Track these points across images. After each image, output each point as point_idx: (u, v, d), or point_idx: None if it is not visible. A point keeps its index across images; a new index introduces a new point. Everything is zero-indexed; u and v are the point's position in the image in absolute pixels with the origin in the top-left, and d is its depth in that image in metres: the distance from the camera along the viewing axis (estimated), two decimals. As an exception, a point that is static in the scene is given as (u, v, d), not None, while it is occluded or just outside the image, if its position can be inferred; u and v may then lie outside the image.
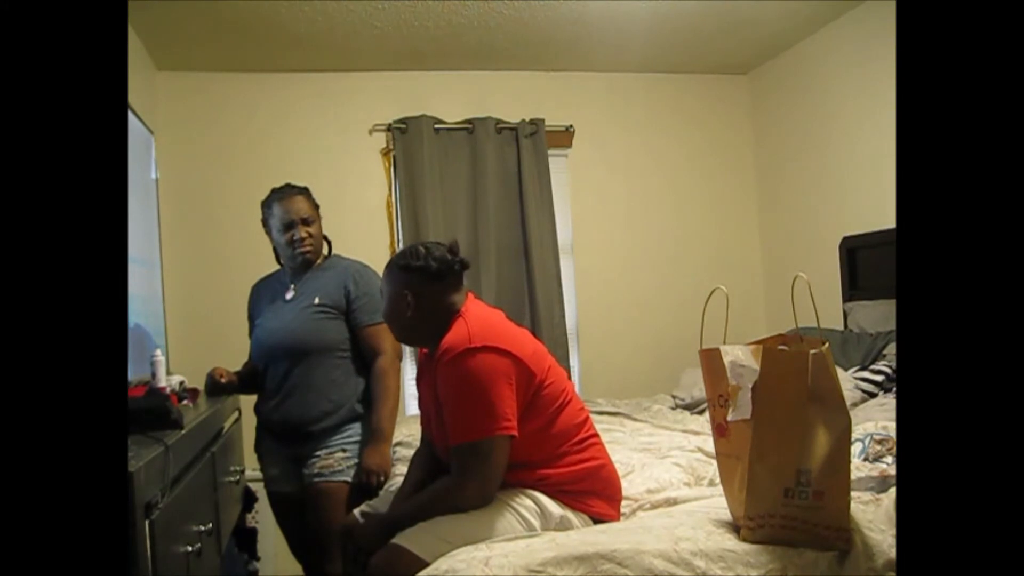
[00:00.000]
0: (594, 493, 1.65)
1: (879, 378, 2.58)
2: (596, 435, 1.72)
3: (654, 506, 1.72)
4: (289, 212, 2.22)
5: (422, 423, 1.85)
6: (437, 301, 1.68)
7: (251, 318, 2.36)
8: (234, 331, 2.53)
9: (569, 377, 1.68)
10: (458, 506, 1.54)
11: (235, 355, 2.50)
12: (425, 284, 1.67)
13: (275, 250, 2.33)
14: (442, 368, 1.59)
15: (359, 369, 2.21)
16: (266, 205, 2.29)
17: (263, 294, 2.34)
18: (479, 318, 1.65)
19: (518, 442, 1.56)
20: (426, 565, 1.39)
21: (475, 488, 1.54)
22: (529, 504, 1.57)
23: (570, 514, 1.60)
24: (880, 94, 3.08)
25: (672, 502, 1.72)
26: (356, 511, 1.86)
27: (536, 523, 1.54)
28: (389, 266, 1.75)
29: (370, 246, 3.59)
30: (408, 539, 1.48)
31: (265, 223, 2.29)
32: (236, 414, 2.44)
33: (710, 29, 3.36)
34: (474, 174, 3.65)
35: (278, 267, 2.36)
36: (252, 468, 2.60)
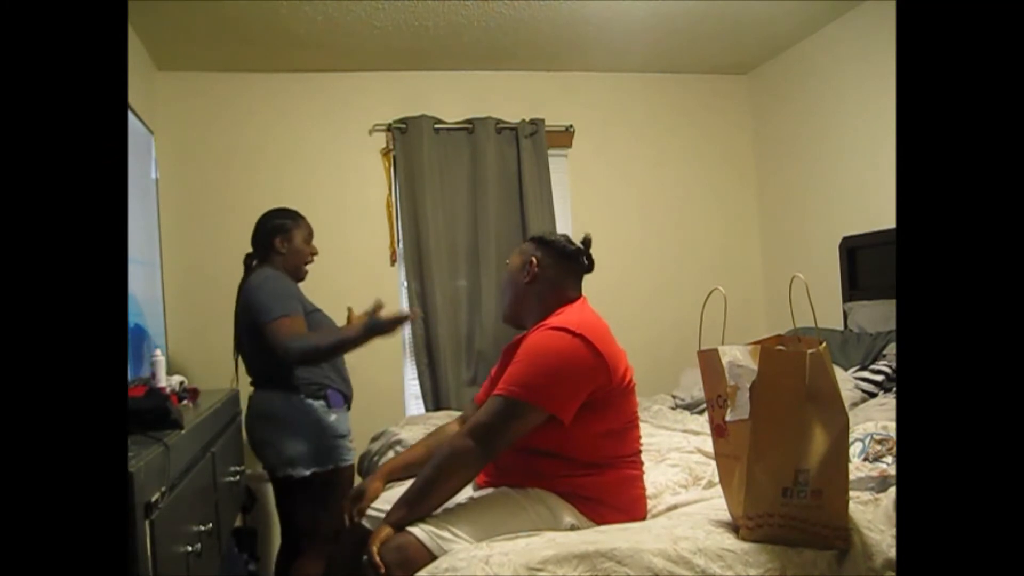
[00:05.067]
0: (622, 511, 1.65)
1: (879, 378, 2.58)
2: (642, 465, 1.74)
3: (655, 516, 1.72)
4: (311, 231, 2.51)
5: (477, 401, 1.91)
6: (555, 278, 1.76)
7: (304, 306, 2.39)
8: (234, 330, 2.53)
9: None
10: (454, 451, 1.55)
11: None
12: (552, 257, 1.77)
13: (273, 254, 2.42)
14: (534, 332, 1.64)
15: None
16: (291, 217, 2.48)
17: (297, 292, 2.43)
18: (588, 316, 1.70)
19: (578, 437, 1.58)
20: (434, 558, 1.41)
21: (483, 434, 1.54)
22: (542, 510, 1.58)
23: (583, 523, 1.60)
24: (880, 94, 3.08)
25: (673, 509, 1.72)
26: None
27: (545, 529, 1.54)
28: (526, 241, 1.86)
29: (370, 246, 3.60)
30: (420, 529, 1.50)
31: (288, 231, 2.45)
32: (236, 414, 2.44)
33: (710, 29, 3.36)
34: (474, 174, 3.65)
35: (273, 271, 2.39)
36: (252, 468, 2.60)
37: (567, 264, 1.78)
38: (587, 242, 1.83)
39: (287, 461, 2.28)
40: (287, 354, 2.18)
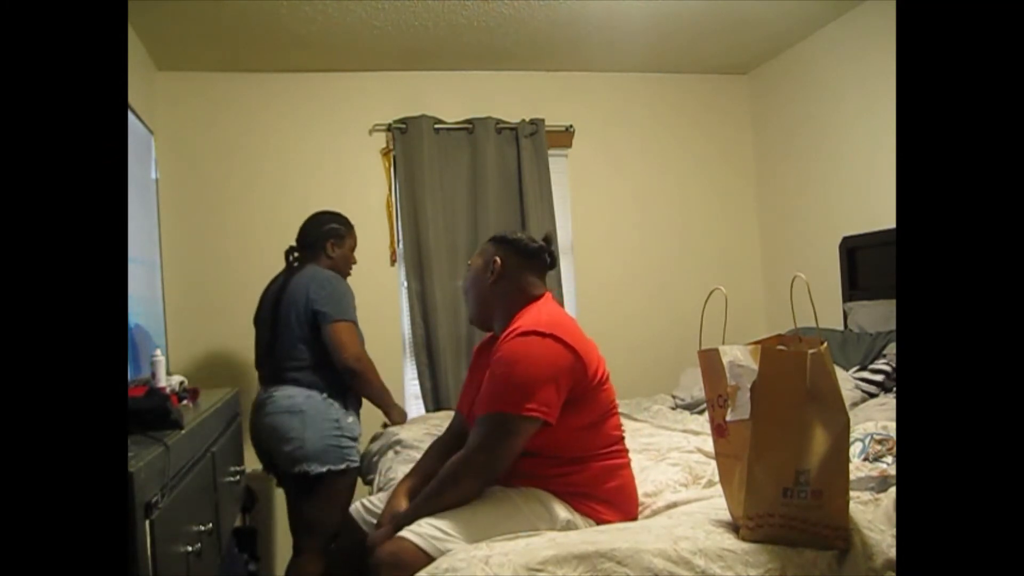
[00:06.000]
0: (610, 503, 1.65)
1: (879, 378, 2.58)
2: (627, 454, 1.74)
3: (655, 512, 1.72)
4: (356, 241, 2.65)
5: (461, 409, 1.89)
6: (518, 277, 1.76)
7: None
8: (234, 330, 2.54)
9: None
10: (461, 476, 1.56)
11: (235, 354, 2.50)
12: (514, 256, 1.77)
13: (323, 255, 2.52)
14: (504, 343, 1.63)
15: None
16: (345, 224, 2.59)
17: None
18: (554, 313, 1.70)
19: (559, 434, 1.57)
20: (430, 560, 1.40)
21: (483, 460, 1.55)
22: (537, 507, 1.58)
23: (578, 518, 1.60)
24: (880, 94, 3.08)
25: (672, 506, 1.72)
26: (358, 505, 1.88)
27: (542, 527, 1.55)
28: (487, 242, 1.86)
29: (370, 246, 3.59)
30: (414, 533, 1.49)
31: (343, 237, 2.57)
32: (236, 414, 2.44)
33: (710, 29, 3.36)
34: (474, 174, 3.65)
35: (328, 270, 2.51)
36: (252, 468, 2.60)
37: (529, 262, 1.78)
38: (548, 239, 1.85)
39: (302, 457, 2.34)
40: (352, 359, 2.36)
